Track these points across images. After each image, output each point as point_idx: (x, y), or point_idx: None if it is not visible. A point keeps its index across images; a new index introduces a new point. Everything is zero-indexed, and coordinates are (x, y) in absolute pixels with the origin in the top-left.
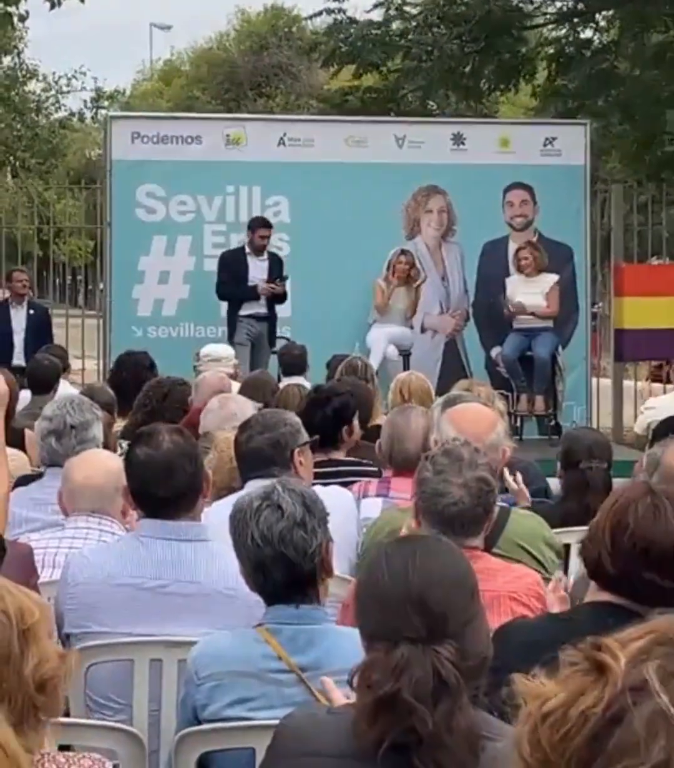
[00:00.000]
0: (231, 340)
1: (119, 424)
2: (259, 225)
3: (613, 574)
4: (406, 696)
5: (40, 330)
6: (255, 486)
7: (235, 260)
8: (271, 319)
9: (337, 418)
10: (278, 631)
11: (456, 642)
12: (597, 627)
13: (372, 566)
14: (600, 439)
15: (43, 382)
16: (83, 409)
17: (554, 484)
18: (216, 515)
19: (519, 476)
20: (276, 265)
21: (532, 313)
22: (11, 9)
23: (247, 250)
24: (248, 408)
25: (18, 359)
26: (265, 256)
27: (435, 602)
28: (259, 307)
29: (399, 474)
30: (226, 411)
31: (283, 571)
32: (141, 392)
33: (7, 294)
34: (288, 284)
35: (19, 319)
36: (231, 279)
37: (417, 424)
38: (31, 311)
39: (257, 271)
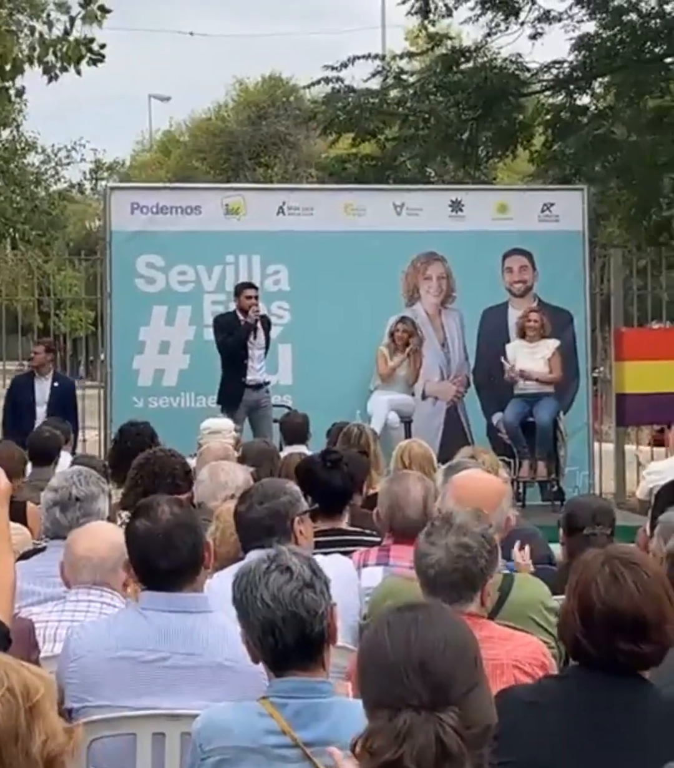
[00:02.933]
0: (226, 409)
1: (117, 494)
2: (245, 287)
3: (594, 654)
4: (409, 763)
5: (64, 403)
6: (256, 556)
7: (228, 322)
8: (264, 386)
9: (345, 488)
10: (283, 705)
11: (459, 709)
12: (593, 687)
13: (375, 634)
14: (604, 506)
15: (43, 454)
16: (89, 482)
17: (557, 549)
18: (218, 586)
19: (527, 550)
20: (266, 323)
21: (536, 379)
22: (8, 83)
23: (239, 315)
24: (239, 474)
25: None
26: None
27: (437, 669)
28: (252, 377)
29: (400, 542)
30: (216, 480)
31: (295, 632)
32: (132, 467)
33: (30, 366)
34: (288, 351)
35: (42, 390)
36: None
37: (416, 491)
38: (56, 384)
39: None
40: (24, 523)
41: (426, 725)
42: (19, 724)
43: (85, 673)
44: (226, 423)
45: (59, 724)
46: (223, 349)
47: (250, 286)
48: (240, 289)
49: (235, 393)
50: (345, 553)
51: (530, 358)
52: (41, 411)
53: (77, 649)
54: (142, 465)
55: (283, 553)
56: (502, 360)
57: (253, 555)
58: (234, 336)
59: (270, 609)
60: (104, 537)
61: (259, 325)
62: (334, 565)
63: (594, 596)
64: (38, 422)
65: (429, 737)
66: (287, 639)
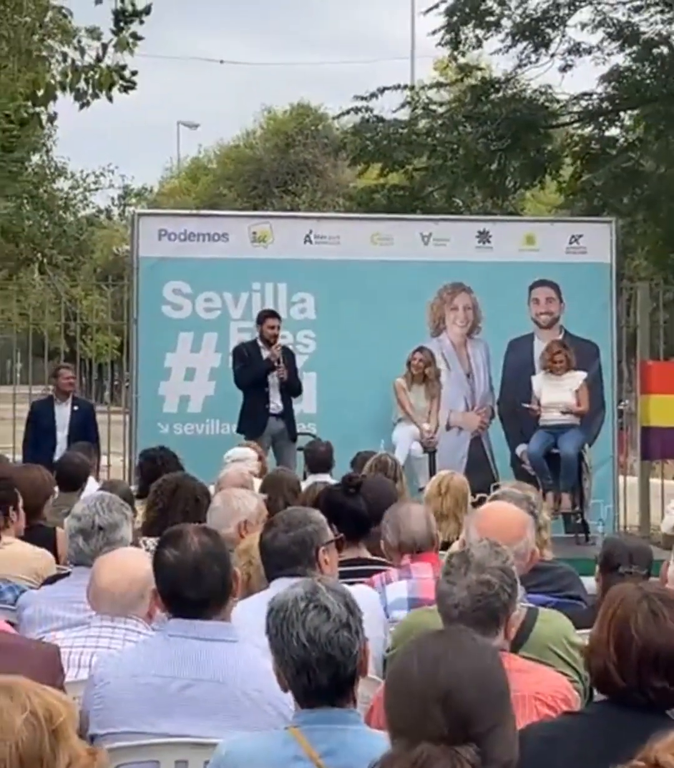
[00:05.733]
0: (249, 438)
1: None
2: (267, 315)
3: (623, 687)
4: None
5: (84, 427)
6: (281, 585)
7: (248, 350)
8: (288, 414)
9: (368, 514)
10: (310, 732)
11: (479, 745)
12: (617, 723)
13: (404, 658)
14: (642, 546)
15: (71, 480)
16: (112, 509)
17: (587, 584)
18: (242, 614)
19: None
20: (288, 357)
21: (567, 411)
22: (39, 109)
23: (260, 343)
24: (252, 502)
25: (59, 456)
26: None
27: (461, 702)
28: (275, 404)
29: (415, 559)
30: (229, 508)
31: (329, 673)
32: (150, 491)
33: (51, 390)
34: (313, 379)
35: (62, 415)
36: (246, 366)
37: (418, 510)
38: (76, 408)
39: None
40: (52, 547)
41: (443, 759)
42: (43, 747)
43: (109, 698)
44: (249, 451)
45: (82, 747)
46: (238, 380)
47: (273, 315)
48: (262, 317)
49: (258, 421)
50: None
51: (557, 390)
52: (62, 436)
53: (103, 675)
54: (161, 485)
55: (321, 590)
56: (528, 405)
57: (278, 583)
58: (251, 370)
59: (306, 649)
60: (128, 570)
61: (280, 363)
62: (359, 596)
63: (632, 629)
64: (59, 447)
65: None
66: (320, 680)
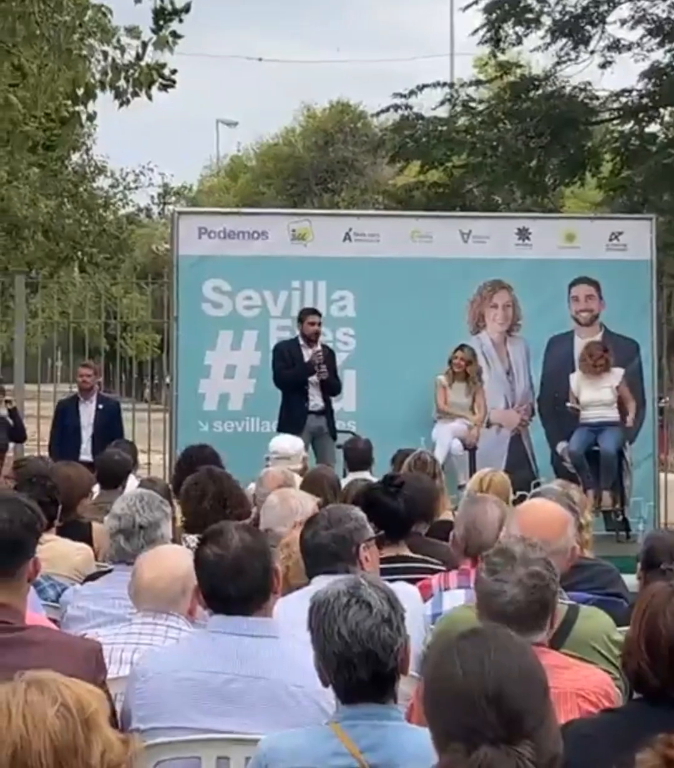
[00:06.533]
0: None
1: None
2: (308, 313)
3: (657, 685)
4: None
5: (109, 424)
6: (322, 582)
7: (289, 349)
8: (328, 412)
9: (408, 512)
10: (351, 727)
11: (532, 741)
12: (652, 721)
13: (444, 661)
14: None
15: (112, 477)
16: (152, 508)
17: (628, 581)
18: (284, 610)
19: None
20: (328, 356)
21: (613, 407)
22: (80, 108)
23: (301, 341)
24: (309, 503)
25: (85, 454)
26: (319, 346)
27: (512, 700)
28: (315, 402)
29: (476, 565)
30: (286, 507)
31: (369, 668)
32: (183, 487)
33: (76, 389)
34: (353, 377)
35: (87, 413)
36: (287, 366)
37: (493, 514)
38: (101, 406)
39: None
40: (89, 542)
41: (507, 760)
42: (77, 737)
43: (151, 694)
44: (294, 446)
45: (114, 736)
46: (278, 379)
47: (314, 312)
48: (303, 315)
49: (298, 419)
50: (409, 581)
51: (595, 388)
52: (87, 435)
53: (145, 670)
54: (194, 479)
55: (363, 586)
56: (570, 405)
57: (319, 581)
58: (293, 371)
59: (347, 645)
60: (170, 566)
61: (320, 367)
62: (399, 594)
63: (662, 625)
64: (84, 446)
65: None
66: (361, 675)
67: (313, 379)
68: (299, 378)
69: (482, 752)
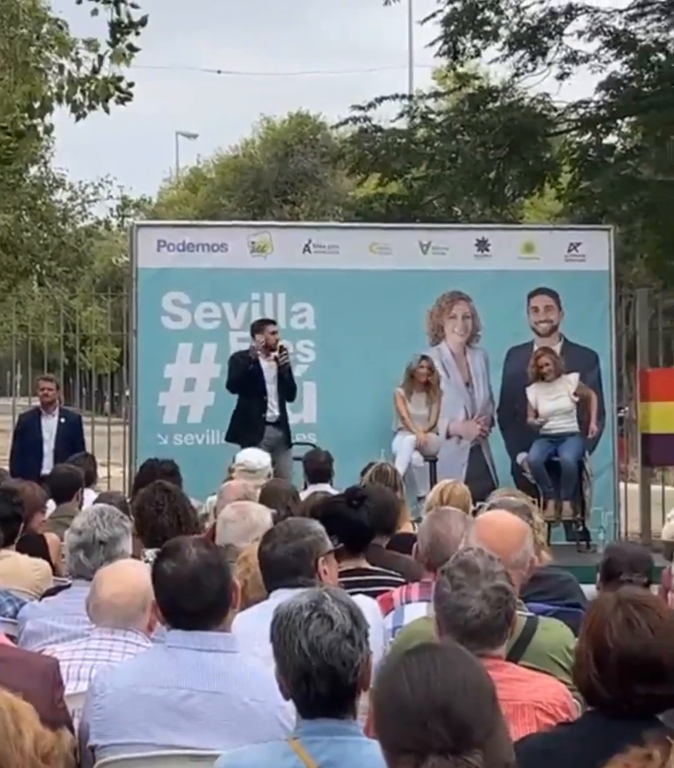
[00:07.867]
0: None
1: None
2: (266, 323)
3: (609, 698)
4: None
5: (72, 437)
6: (281, 595)
7: (246, 360)
8: (283, 421)
9: (370, 526)
10: (310, 743)
11: (482, 751)
12: (607, 734)
13: (391, 676)
14: (641, 553)
15: (62, 490)
16: (113, 523)
17: (589, 591)
18: (241, 624)
19: None
20: (285, 356)
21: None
22: (36, 121)
23: (258, 352)
24: (267, 517)
25: (47, 468)
26: (272, 356)
27: (460, 712)
28: (273, 413)
29: None
30: (248, 522)
31: (328, 683)
32: (135, 502)
33: (36, 402)
34: (313, 389)
35: (49, 427)
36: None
37: (458, 529)
38: (62, 419)
39: (269, 369)
40: (45, 555)
41: None
42: (7, 725)
43: (108, 709)
44: (261, 461)
45: (45, 730)
46: (231, 386)
47: (272, 322)
48: (260, 325)
49: (256, 429)
50: (369, 593)
51: (551, 398)
52: (48, 448)
53: (103, 686)
54: (149, 493)
55: (326, 600)
56: (532, 420)
57: (278, 594)
58: (238, 370)
59: (306, 658)
60: (128, 581)
61: (285, 354)
62: (359, 606)
63: (608, 640)
64: (45, 459)
65: None
66: (320, 689)
67: (272, 388)
68: (243, 373)
69: (430, 762)
